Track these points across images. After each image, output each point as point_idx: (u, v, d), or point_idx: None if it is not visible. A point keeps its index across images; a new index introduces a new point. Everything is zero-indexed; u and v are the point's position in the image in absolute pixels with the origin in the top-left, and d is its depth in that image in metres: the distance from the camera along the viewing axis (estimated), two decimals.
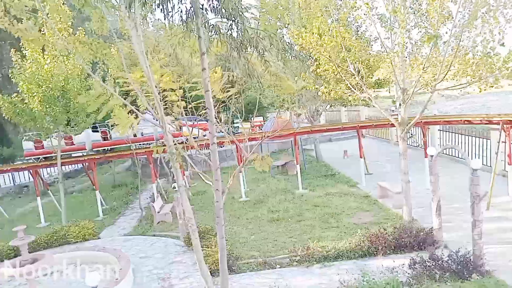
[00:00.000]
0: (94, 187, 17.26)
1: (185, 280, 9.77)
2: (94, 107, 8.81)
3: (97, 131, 18.45)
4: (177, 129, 13.01)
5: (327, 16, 12.11)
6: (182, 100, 10.90)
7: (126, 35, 13.12)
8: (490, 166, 13.85)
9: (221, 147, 19.95)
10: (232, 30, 6.24)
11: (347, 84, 11.89)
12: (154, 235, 13.48)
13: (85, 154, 18.55)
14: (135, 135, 18.20)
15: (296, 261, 9.78)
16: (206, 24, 6.11)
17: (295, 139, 17.04)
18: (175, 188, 15.40)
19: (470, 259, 8.44)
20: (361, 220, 12.33)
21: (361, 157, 16.59)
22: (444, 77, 9.80)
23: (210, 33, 6.26)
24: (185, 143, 11.38)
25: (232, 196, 16.51)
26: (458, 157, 17.26)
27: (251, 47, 6.52)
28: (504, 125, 12.19)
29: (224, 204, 7.57)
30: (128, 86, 8.16)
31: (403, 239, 9.70)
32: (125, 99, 7.98)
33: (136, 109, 8.41)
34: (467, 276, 8.18)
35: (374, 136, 27.56)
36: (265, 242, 11.58)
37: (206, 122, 21.30)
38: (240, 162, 14.34)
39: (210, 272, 8.78)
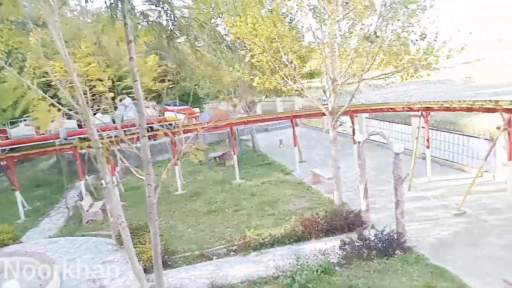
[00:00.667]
0: (14, 187, 15.77)
1: (118, 280, 9.35)
2: (9, 101, 8.00)
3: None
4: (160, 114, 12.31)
5: (261, 6, 12.14)
6: (111, 91, 10.31)
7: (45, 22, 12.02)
8: (412, 150, 14.99)
9: (155, 140, 19.33)
10: (161, 17, 5.98)
11: (281, 75, 12.11)
12: (83, 235, 12.70)
13: None
14: (113, 121, 16.31)
15: (233, 251, 9.82)
16: (133, 10, 5.78)
17: (232, 130, 17.02)
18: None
19: (394, 237, 9.08)
20: (296, 206, 12.71)
21: (295, 145, 17.06)
22: (370, 67, 10.36)
23: (137, 20, 5.94)
24: (114, 137, 10.76)
25: (168, 190, 16.11)
26: (383, 143, 18.48)
27: (182, 36, 6.31)
28: (423, 112, 13.23)
29: (159, 198, 7.35)
30: (49, 77, 7.51)
31: (334, 222, 10.16)
32: (47, 91, 7.34)
33: (58, 102, 7.79)
34: (392, 253, 8.81)
35: (308, 125, 28.51)
36: (202, 234, 11.47)
37: (188, 107, 20.18)
38: (175, 154, 14.01)
39: (145, 269, 8.50)
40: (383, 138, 17.24)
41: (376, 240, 9.11)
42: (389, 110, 14.66)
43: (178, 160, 15.88)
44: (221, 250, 10.11)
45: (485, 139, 13.75)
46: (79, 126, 16.60)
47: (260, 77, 12.17)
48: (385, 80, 10.83)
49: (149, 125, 16.49)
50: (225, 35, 18.47)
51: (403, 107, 13.87)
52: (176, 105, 18.81)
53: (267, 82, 12.02)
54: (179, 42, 6.77)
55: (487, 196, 11.78)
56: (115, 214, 7.36)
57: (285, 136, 23.01)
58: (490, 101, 11.19)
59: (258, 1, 12.33)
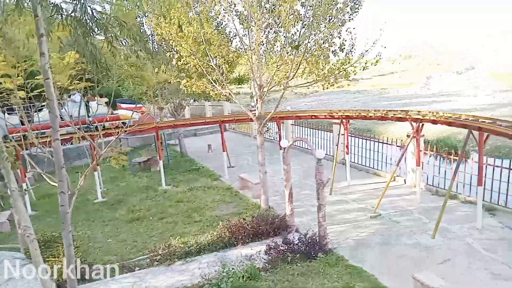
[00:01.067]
0: None
1: None
2: None
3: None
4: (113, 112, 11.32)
5: (188, 8, 11.91)
6: (21, 89, 9.33)
7: None
8: (333, 156, 15.79)
9: (71, 143, 17.89)
10: (76, 11, 5.51)
11: (208, 79, 11.97)
12: None
13: None
14: (61, 118, 14.71)
15: (157, 261, 9.40)
16: (45, 1, 5.26)
17: (157, 134, 16.43)
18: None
19: (317, 240, 9.43)
20: (223, 212, 12.61)
21: (224, 150, 16.99)
22: (294, 75, 10.69)
23: (50, 12, 5.41)
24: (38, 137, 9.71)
25: (87, 198, 15.01)
26: (307, 149, 19.24)
27: (99, 33, 5.89)
28: (343, 120, 14.01)
29: (76, 207, 6.72)
30: None
31: (260, 227, 10.25)
32: None
33: None
34: (314, 255, 9.12)
35: (237, 131, 28.67)
36: (124, 244, 10.83)
37: (141, 105, 18.54)
38: (94, 159, 13.08)
39: (58, 284, 7.78)
40: (307, 144, 17.97)
41: (299, 243, 9.38)
42: (312, 117, 15.31)
43: (97, 165, 14.88)
44: (144, 261, 9.61)
45: (397, 146, 15.00)
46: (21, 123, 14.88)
47: (187, 80, 11.92)
48: (308, 88, 11.26)
49: (101, 123, 15.66)
50: (151, 35, 17.86)
51: (325, 115, 14.57)
52: (130, 103, 17.82)
53: (194, 86, 11.81)
54: (100, 40, 6.34)
55: (399, 199, 12.82)
56: (22, 225, 6.59)
57: (214, 141, 22.87)
58: (402, 111, 12.23)
59: (186, 3, 12.11)
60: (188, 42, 11.19)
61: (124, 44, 11.80)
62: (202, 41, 11.24)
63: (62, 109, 13.39)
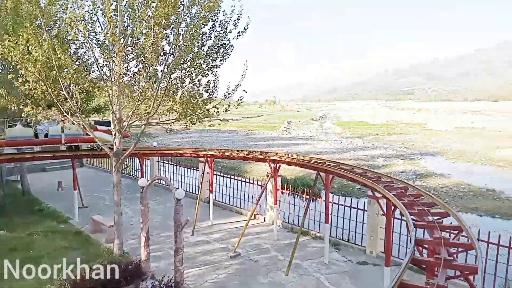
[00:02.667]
0: None
1: None
2: None
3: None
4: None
5: (38, 29, 10.61)
6: None
7: None
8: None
9: None
10: None
11: (59, 109, 10.64)
12: None
13: None
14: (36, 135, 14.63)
15: None
16: None
17: None
18: None
19: (172, 286, 8.81)
20: (68, 261, 10.93)
21: (75, 189, 15.15)
22: (156, 111, 10.30)
23: None
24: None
25: None
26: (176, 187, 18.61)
27: None
28: (208, 159, 14.03)
29: None
30: None
31: (111, 276, 9.13)
32: None
33: None
34: None
35: (96, 166, 26.26)
36: None
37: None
38: None
39: None
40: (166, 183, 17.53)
41: None
42: (178, 154, 14.96)
43: None
44: None
45: (258, 185, 15.64)
46: None
47: (33, 108, 10.37)
48: (170, 125, 10.97)
49: (75, 144, 14.99)
50: None
51: (190, 153, 14.40)
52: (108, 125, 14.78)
53: (41, 115, 10.34)
54: None
55: (258, 237, 13.16)
56: None
57: (66, 178, 20.29)
58: (261, 152, 12.87)
59: (37, 26, 10.78)
60: (36, 66, 9.86)
61: None
62: (54, 66, 10.03)
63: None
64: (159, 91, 9.98)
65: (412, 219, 6.42)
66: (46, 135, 15.04)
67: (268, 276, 10.26)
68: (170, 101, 10.24)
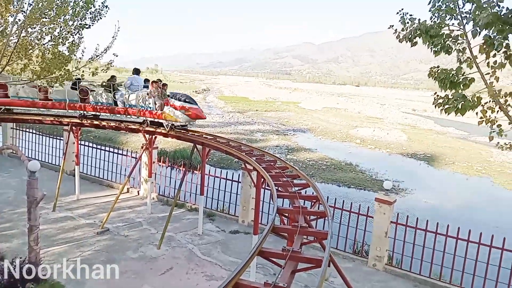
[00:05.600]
0: None
1: None
2: None
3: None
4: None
5: None
6: None
7: None
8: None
9: None
10: None
11: None
12: None
13: None
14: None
15: None
16: None
17: None
18: None
19: (28, 268, 7.86)
20: None
21: None
22: (7, 65, 8.80)
23: None
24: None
25: None
26: (31, 157, 16.40)
27: None
28: (73, 127, 12.64)
29: None
30: None
31: None
32: None
33: None
34: (22, 287, 7.54)
35: None
36: None
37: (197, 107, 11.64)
38: None
39: None
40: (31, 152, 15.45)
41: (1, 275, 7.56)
42: (36, 122, 13.08)
43: None
44: None
45: (132, 157, 14.83)
46: None
47: None
48: (23, 86, 9.50)
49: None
50: None
51: (51, 120, 12.72)
52: (185, 101, 10.16)
53: None
54: None
55: (130, 211, 12.60)
56: None
57: None
58: (136, 123, 12.10)
59: None
60: None
61: None
62: None
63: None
64: (8, 44, 8.49)
65: (277, 190, 6.85)
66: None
67: (138, 250, 9.94)
68: (23, 59, 8.81)
